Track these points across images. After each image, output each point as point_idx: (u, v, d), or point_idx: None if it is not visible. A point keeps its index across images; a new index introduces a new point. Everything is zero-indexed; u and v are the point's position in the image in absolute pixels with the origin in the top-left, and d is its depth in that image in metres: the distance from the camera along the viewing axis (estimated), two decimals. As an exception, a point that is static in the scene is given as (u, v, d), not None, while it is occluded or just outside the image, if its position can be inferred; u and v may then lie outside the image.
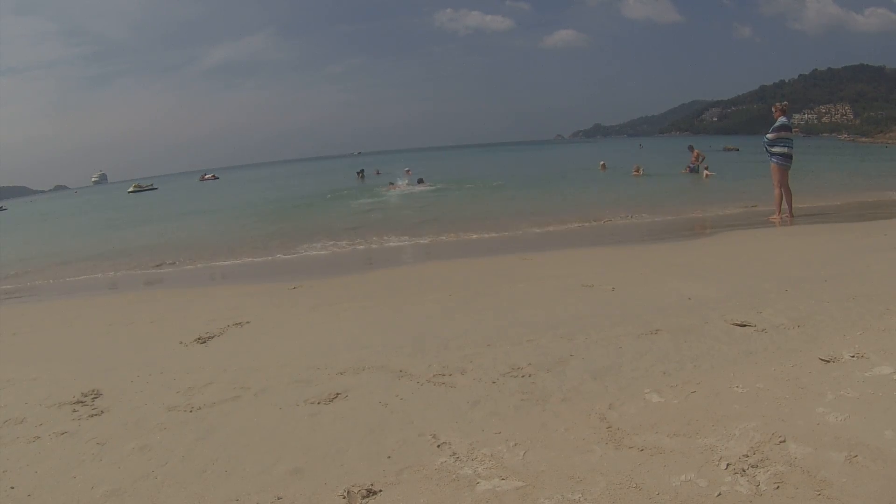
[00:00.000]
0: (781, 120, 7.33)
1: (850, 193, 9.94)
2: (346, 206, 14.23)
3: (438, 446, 1.81)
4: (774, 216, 7.35)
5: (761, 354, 2.36)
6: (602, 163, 20.70)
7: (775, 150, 7.29)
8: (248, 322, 3.66)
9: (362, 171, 26.89)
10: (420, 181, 19.08)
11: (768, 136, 7.38)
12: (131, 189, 43.80)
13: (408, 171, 23.71)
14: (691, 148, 15.53)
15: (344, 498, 1.57)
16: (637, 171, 16.03)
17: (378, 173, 27.27)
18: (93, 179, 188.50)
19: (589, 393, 2.13)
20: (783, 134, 7.26)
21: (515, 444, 1.77)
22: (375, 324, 3.41)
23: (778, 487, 1.42)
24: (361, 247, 7.82)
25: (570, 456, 1.67)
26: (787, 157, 7.24)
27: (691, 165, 15.11)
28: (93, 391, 2.53)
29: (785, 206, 7.33)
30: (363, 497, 1.56)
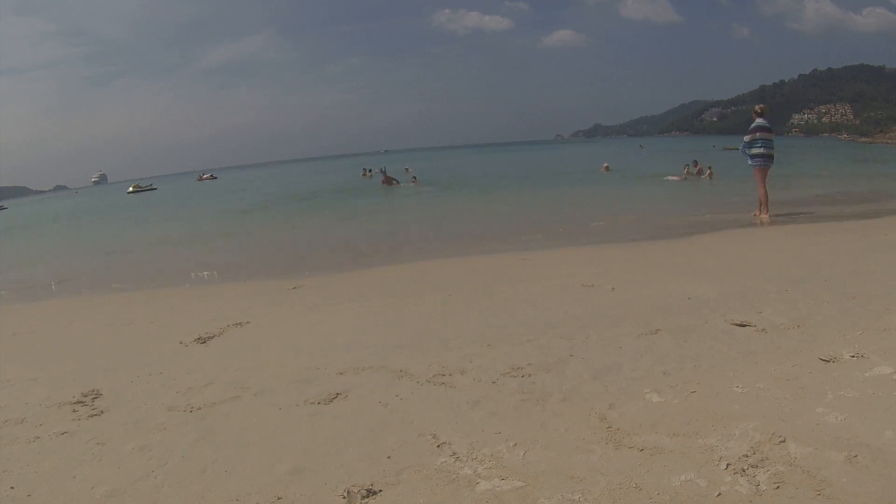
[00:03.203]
0: (758, 121, 7.52)
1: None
2: (348, 206, 14.24)
3: (438, 446, 1.81)
4: (757, 213, 7.52)
5: (761, 354, 2.36)
6: (605, 165, 20.56)
7: (753, 150, 7.45)
8: (248, 322, 3.66)
9: (370, 169, 26.83)
10: (414, 179, 19.20)
11: (745, 137, 7.56)
12: (131, 189, 43.75)
13: (408, 170, 23.73)
14: (695, 163, 15.54)
15: (344, 498, 1.57)
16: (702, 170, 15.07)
17: (383, 171, 27.16)
18: (93, 179, 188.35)
19: (589, 393, 2.13)
20: (759, 135, 7.41)
21: (515, 444, 1.77)
22: (375, 324, 3.41)
23: (778, 487, 1.42)
24: (361, 248, 7.82)
25: (570, 456, 1.67)
26: (766, 158, 7.40)
27: (695, 171, 15.17)
28: (93, 391, 2.53)
29: (763, 206, 7.50)
30: (363, 497, 1.56)
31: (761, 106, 7.74)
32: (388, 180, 18.81)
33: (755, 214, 7.49)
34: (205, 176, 60.47)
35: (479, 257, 5.99)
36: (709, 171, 14.22)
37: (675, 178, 14.89)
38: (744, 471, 1.50)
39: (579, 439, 1.77)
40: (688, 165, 15.26)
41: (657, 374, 2.26)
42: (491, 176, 22.20)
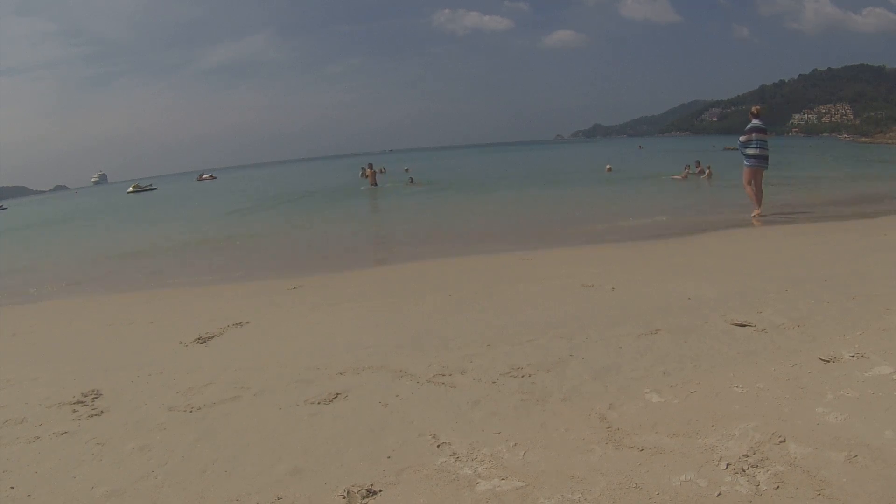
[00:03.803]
0: (754, 122, 7.65)
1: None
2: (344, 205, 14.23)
3: (438, 446, 1.81)
4: (757, 213, 7.59)
5: (761, 354, 2.36)
6: (608, 166, 20.85)
7: (748, 151, 7.57)
8: (248, 322, 3.66)
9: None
10: (411, 180, 19.16)
11: (741, 138, 7.68)
12: (130, 189, 43.80)
13: (407, 171, 23.75)
14: (698, 163, 15.84)
15: (344, 498, 1.57)
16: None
17: (383, 171, 26.85)
18: (93, 179, 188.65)
19: (589, 393, 2.13)
20: (755, 136, 7.52)
21: (515, 444, 1.77)
22: (375, 324, 3.41)
23: (778, 487, 1.42)
24: (361, 247, 7.82)
25: (570, 456, 1.67)
26: (760, 158, 7.51)
27: (696, 171, 15.47)
28: (93, 391, 2.53)
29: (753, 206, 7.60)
30: (363, 497, 1.56)
31: (758, 107, 7.88)
32: (373, 175, 18.19)
33: (755, 215, 7.52)
34: (204, 176, 60.43)
35: (479, 257, 5.99)
36: (708, 171, 14.53)
37: (677, 177, 15.24)
38: (744, 471, 1.50)
39: (579, 439, 1.77)
40: (689, 166, 15.52)
41: (657, 374, 2.26)
42: (492, 176, 22.25)
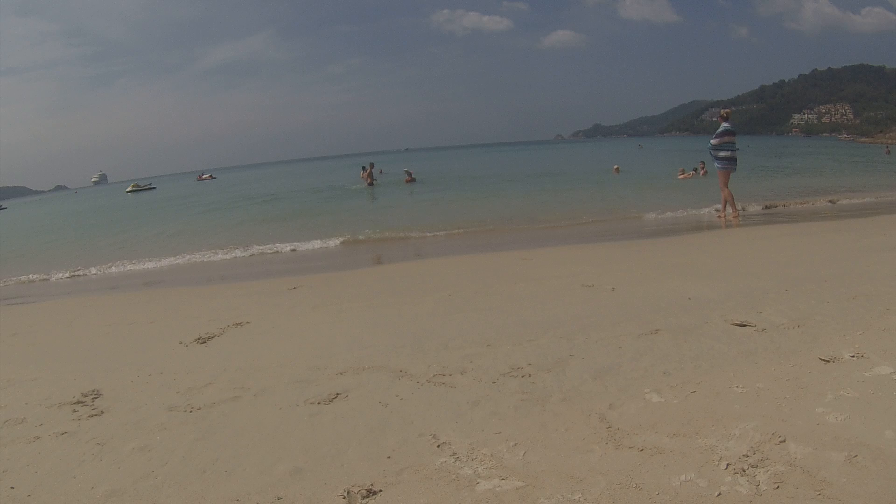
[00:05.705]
0: (724, 126, 7.83)
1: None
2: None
3: (438, 446, 1.81)
4: (721, 214, 7.83)
5: (761, 354, 2.36)
6: (615, 167, 20.92)
7: (720, 154, 7.76)
8: (248, 322, 3.66)
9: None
10: (409, 177, 19.30)
11: (712, 141, 7.86)
12: (129, 189, 43.87)
13: (407, 171, 23.77)
14: (702, 164, 16.10)
15: (344, 498, 1.57)
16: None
17: (381, 172, 26.85)
18: (93, 180, 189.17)
19: (589, 393, 2.13)
20: (726, 139, 7.72)
21: (515, 444, 1.77)
22: (375, 324, 3.41)
23: (778, 487, 1.42)
24: (361, 246, 7.83)
25: (570, 456, 1.67)
26: (731, 160, 7.75)
27: (698, 170, 15.77)
28: (93, 391, 2.53)
29: (729, 205, 7.81)
30: (363, 497, 1.56)
31: (727, 111, 8.21)
32: (370, 176, 18.31)
33: (720, 216, 7.77)
34: (204, 176, 60.51)
35: (480, 256, 5.99)
36: (703, 171, 14.87)
37: (682, 176, 15.81)
38: (744, 471, 1.50)
39: (579, 439, 1.77)
40: (694, 169, 15.71)
41: (657, 374, 2.26)
42: (495, 176, 22.20)
